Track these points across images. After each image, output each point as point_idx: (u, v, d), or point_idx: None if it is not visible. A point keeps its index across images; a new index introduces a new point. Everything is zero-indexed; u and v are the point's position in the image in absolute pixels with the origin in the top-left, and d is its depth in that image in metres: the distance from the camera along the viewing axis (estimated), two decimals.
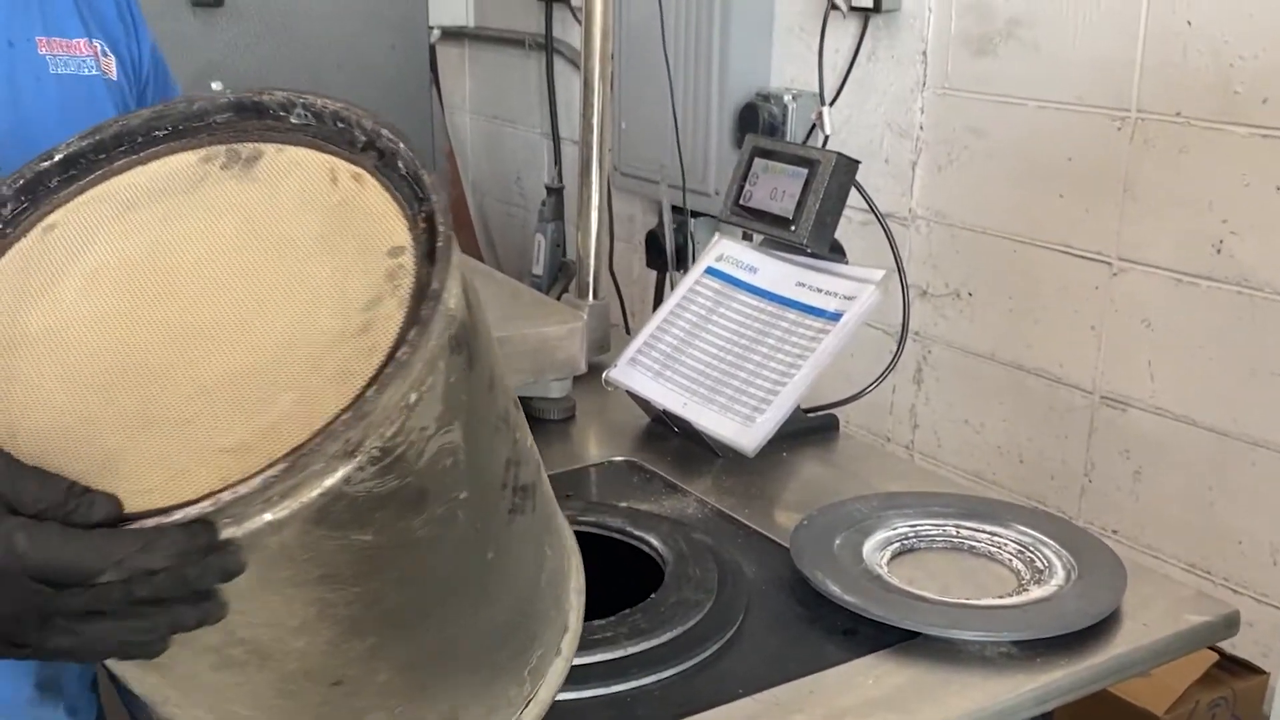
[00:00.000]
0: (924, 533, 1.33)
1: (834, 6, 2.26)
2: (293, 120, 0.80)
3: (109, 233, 0.77)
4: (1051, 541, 1.29)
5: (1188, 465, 1.94)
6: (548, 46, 3.05)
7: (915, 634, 1.14)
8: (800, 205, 1.50)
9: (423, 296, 0.69)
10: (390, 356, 0.67)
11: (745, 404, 1.48)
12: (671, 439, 1.58)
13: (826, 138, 2.31)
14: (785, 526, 1.34)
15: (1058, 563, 1.26)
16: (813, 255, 1.53)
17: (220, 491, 0.63)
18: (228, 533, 0.64)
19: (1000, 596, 1.21)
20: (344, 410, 0.65)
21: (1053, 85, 2.03)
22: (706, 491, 1.44)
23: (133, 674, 0.76)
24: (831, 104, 2.34)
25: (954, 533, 1.33)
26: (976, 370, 2.22)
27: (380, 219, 0.75)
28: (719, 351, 1.54)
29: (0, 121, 0.91)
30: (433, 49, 2.97)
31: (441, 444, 0.71)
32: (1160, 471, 1.98)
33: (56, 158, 0.80)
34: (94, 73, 0.99)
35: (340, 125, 0.79)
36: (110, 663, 0.74)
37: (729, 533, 1.35)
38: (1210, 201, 1.85)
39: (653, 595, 1.18)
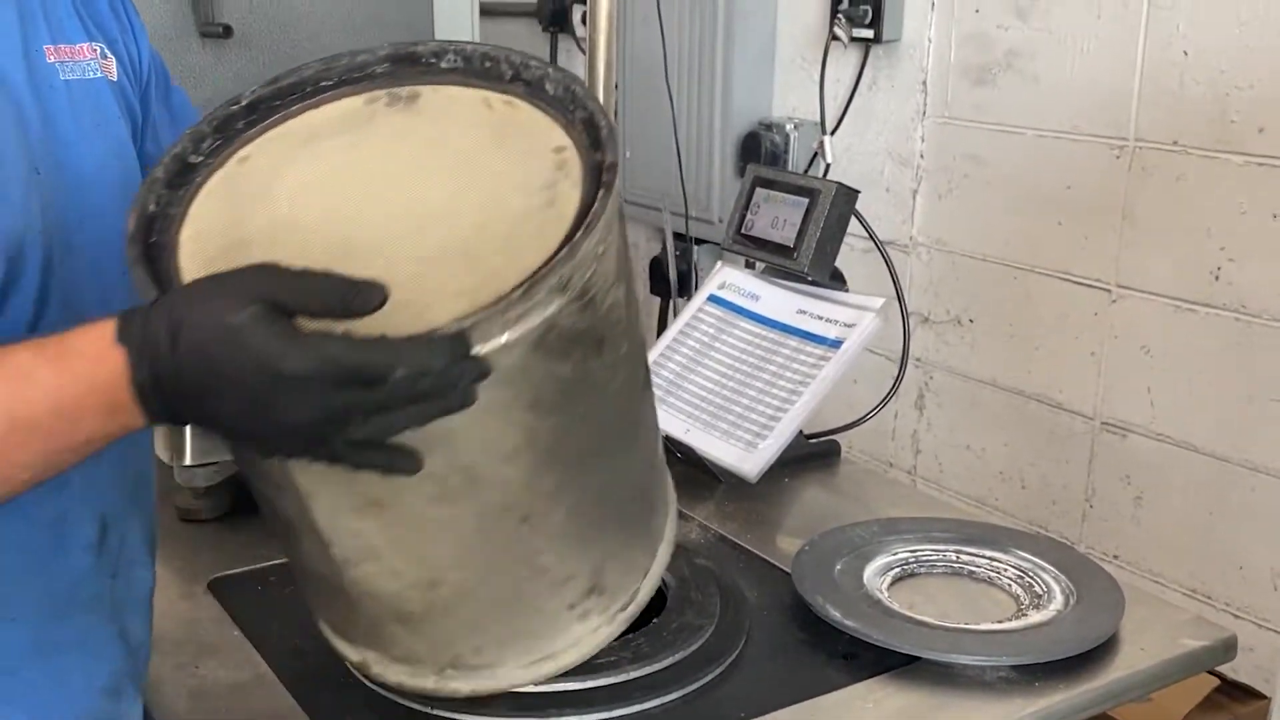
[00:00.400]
0: (924, 558, 1.34)
1: (835, 37, 2.29)
2: (443, 65, 0.93)
3: (301, 157, 0.90)
4: (1050, 566, 1.30)
5: (1188, 490, 1.95)
6: None
7: (915, 658, 1.15)
8: (801, 234, 1.52)
9: (598, 173, 0.83)
10: (578, 220, 0.81)
11: (747, 430, 1.50)
12: (674, 465, 1.59)
13: (828, 166, 2.33)
14: (787, 551, 1.35)
15: (1056, 587, 1.27)
16: (814, 283, 1.55)
17: (463, 319, 0.76)
18: (475, 349, 0.77)
19: (999, 621, 1.22)
20: (554, 255, 0.79)
21: (1051, 114, 2.05)
22: (709, 517, 1.45)
23: (350, 527, 0.88)
24: (833, 133, 2.36)
25: (954, 558, 1.34)
26: (978, 396, 2.24)
27: (538, 128, 0.87)
28: (721, 378, 1.55)
29: (35, 132, 0.92)
30: None
31: (615, 297, 0.85)
32: (1161, 496, 1.99)
33: (243, 102, 0.93)
34: (97, 75, 0.99)
35: (488, 64, 0.92)
36: (326, 519, 0.87)
37: (731, 558, 1.36)
38: (1208, 229, 1.87)
39: (655, 620, 1.19)
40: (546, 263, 0.79)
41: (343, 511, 0.88)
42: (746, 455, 1.48)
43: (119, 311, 0.77)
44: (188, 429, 1.38)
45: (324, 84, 0.94)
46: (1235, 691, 1.76)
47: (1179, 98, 1.88)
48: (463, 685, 1.02)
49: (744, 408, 1.52)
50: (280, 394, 0.74)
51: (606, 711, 1.08)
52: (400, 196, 0.87)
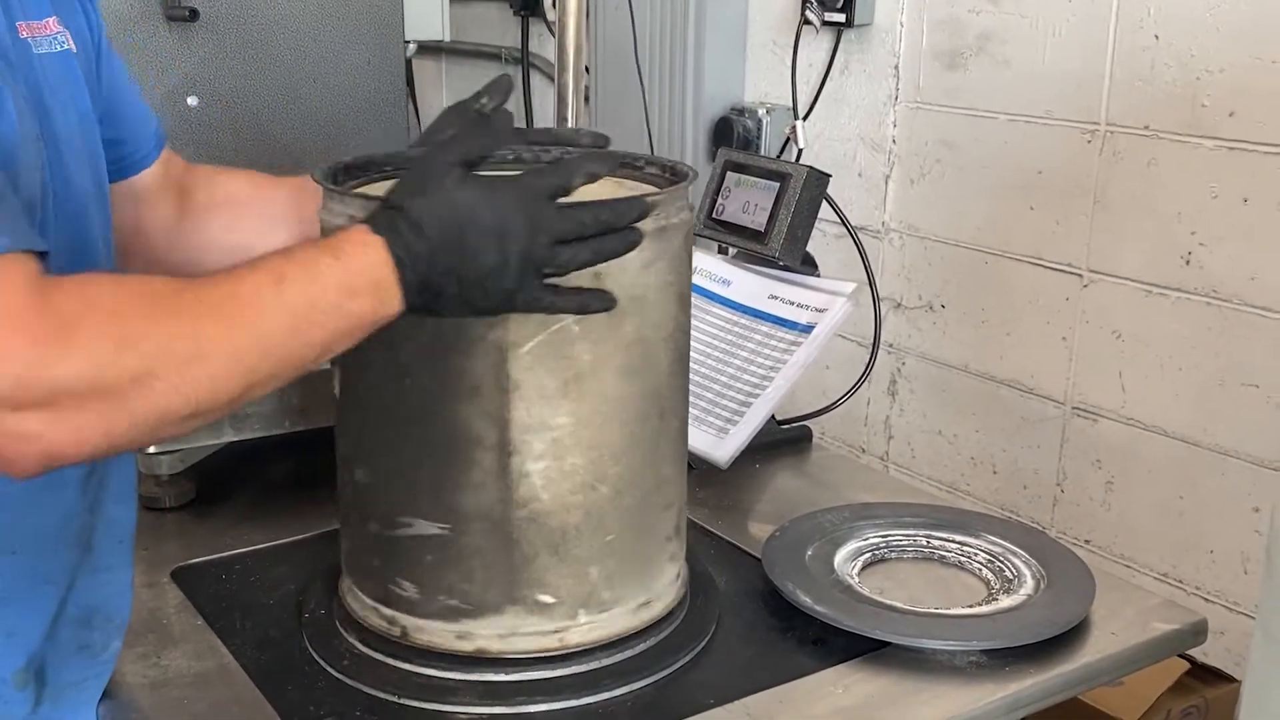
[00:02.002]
0: (895, 543, 1.34)
1: (807, 21, 2.27)
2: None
3: None
4: (1021, 551, 1.30)
5: (1159, 475, 1.95)
6: (524, 60, 3.06)
7: (885, 643, 1.15)
8: (772, 218, 1.51)
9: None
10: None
11: (718, 417, 1.49)
12: None
13: (800, 151, 2.32)
14: (758, 538, 1.34)
15: (1027, 572, 1.27)
16: (785, 268, 1.54)
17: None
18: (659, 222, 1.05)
19: (970, 606, 1.22)
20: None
21: (1023, 99, 2.05)
22: None
23: (543, 420, 1.04)
24: (805, 118, 2.35)
25: (924, 543, 1.34)
26: (950, 382, 2.24)
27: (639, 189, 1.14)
28: (692, 364, 1.54)
29: (30, 110, 0.93)
30: (409, 63, 2.97)
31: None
32: (1132, 481, 1.99)
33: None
34: (63, 48, 1.01)
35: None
36: (523, 415, 1.03)
37: (702, 544, 1.35)
38: (1179, 213, 1.87)
39: None
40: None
41: (544, 398, 1.03)
42: (718, 442, 1.47)
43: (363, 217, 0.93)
44: None
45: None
46: (1206, 675, 1.76)
47: (1150, 82, 1.87)
48: (584, 636, 1.10)
49: (715, 394, 1.51)
50: (496, 221, 0.91)
51: (576, 699, 1.07)
52: None
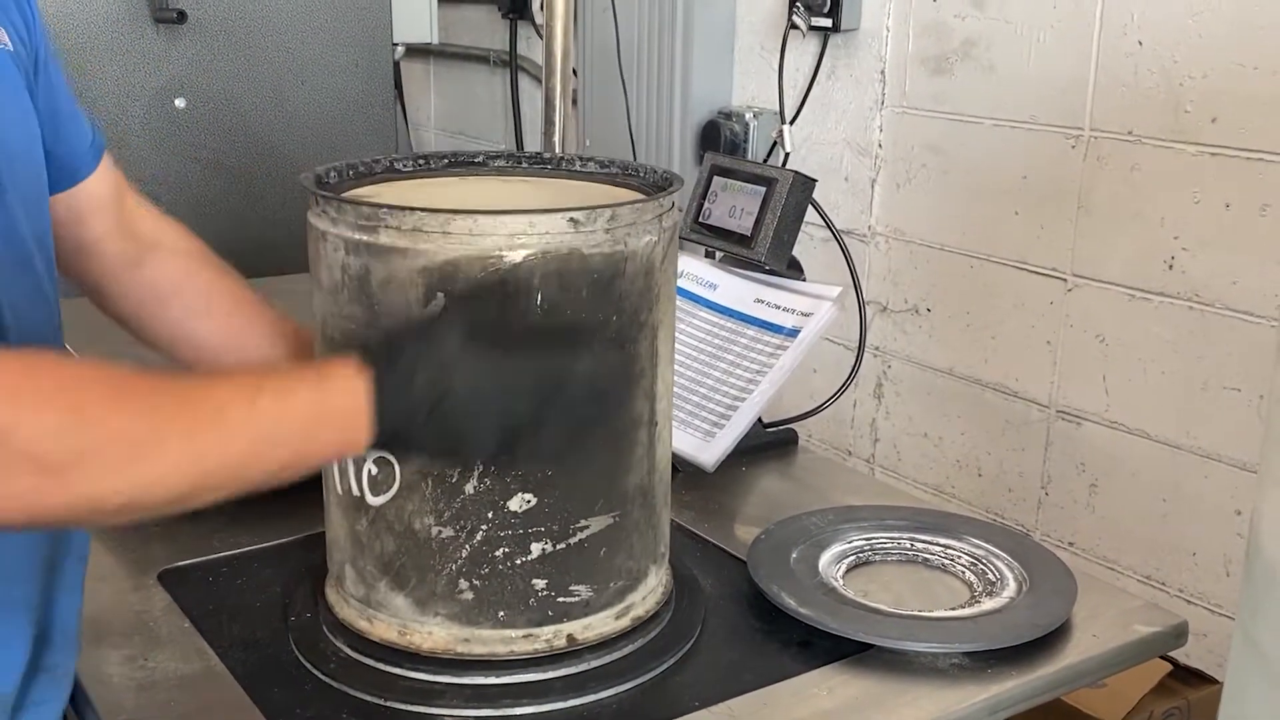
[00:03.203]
0: (879, 546, 1.34)
1: (794, 25, 2.28)
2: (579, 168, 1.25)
3: (427, 186, 1.21)
4: (1004, 554, 1.31)
5: (1142, 478, 1.96)
6: (512, 63, 3.06)
7: (869, 646, 1.16)
8: (758, 223, 1.52)
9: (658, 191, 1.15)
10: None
11: (705, 420, 1.50)
12: None
13: (787, 155, 2.33)
14: (743, 540, 1.35)
15: (1009, 575, 1.28)
16: (771, 272, 1.55)
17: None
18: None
19: (953, 608, 1.23)
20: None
21: (1008, 104, 2.06)
22: None
23: (665, 383, 1.13)
24: (792, 122, 2.36)
25: (908, 545, 1.35)
26: (935, 385, 2.25)
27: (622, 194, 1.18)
28: (679, 368, 1.55)
29: None
30: (397, 66, 2.97)
31: None
32: (1115, 484, 2.01)
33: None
34: (4, 46, 0.99)
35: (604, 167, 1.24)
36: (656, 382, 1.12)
37: (687, 547, 1.36)
38: (1162, 218, 1.88)
39: None
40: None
41: (665, 367, 1.13)
42: (704, 445, 1.48)
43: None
44: None
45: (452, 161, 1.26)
46: (1188, 676, 1.77)
47: (1133, 88, 1.89)
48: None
49: (701, 397, 1.52)
50: (481, 393, 0.91)
51: (562, 701, 1.08)
52: (495, 194, 1.21)
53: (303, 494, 1.45)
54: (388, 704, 1.07)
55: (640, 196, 1.14)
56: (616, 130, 2.56)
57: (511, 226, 0.99)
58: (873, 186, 2.29)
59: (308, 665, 1.12)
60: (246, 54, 2.57)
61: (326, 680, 1.10)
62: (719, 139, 2.39)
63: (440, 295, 1.00)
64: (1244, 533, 1.84)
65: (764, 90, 2.44)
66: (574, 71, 2.44)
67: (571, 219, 1.01)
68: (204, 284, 1.26)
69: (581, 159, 1.25)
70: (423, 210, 1.00)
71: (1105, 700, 1.68)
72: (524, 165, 1.26)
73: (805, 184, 1.53)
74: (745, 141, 2.40)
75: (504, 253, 0.99)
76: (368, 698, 1.08)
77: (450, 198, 1.13)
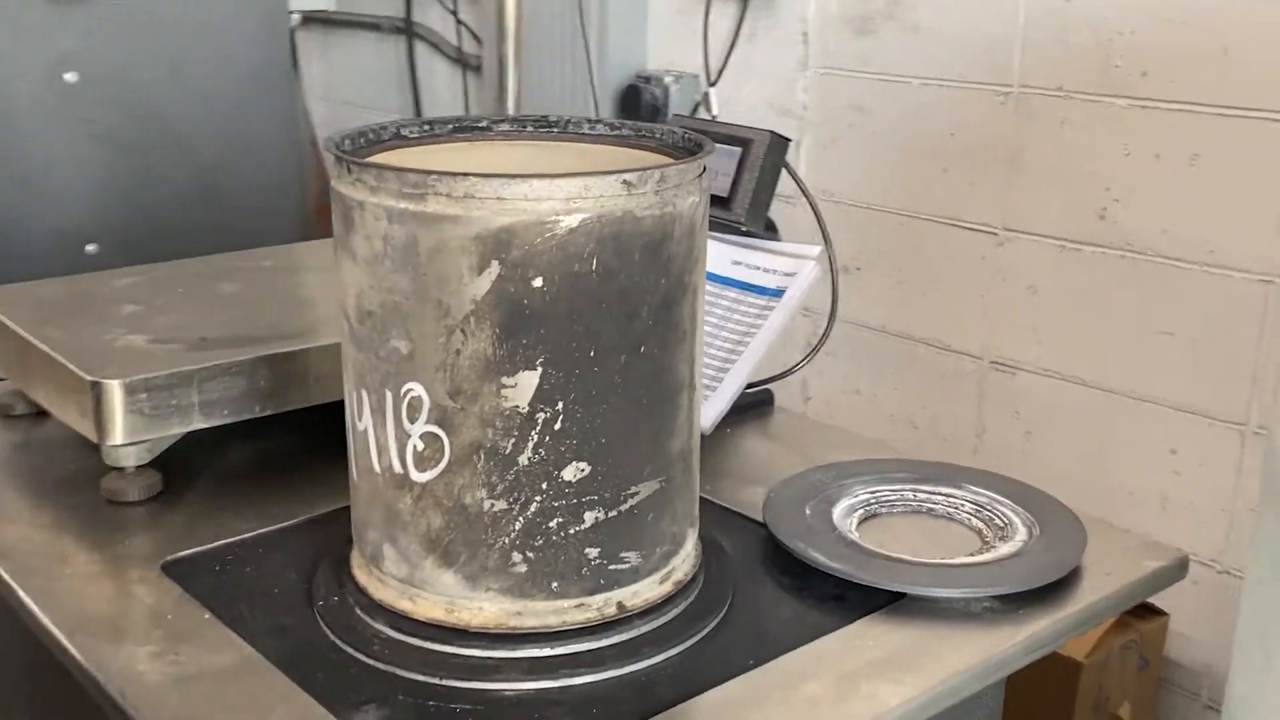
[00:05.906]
0: (884, 498, 1.37)
1: None
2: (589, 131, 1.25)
3: (443, 152, 1.18)
4: (1006, 500, 1.34)
5: (1077, 423, 2.04)
6: (408, 31, 2.99)
7: (899, 596, 1.18)
8: (735, 184, 1.52)
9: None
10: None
11: None
12: None
13: (713, 118, 2.34)
14: (746, 500, 1.36)
15: (1016, 519, 1.31)
16: (748, 234, 1.55)
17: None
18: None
19: (970, 554, 1.25)
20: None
21: (934, 63, 2.10)
22: None
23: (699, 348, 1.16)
24: (713, 85, 2.37)
25: (912, 496, 1.37)
26: (868, 342, 2.29)
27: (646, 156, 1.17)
28: None
29: None
30: (292, 34, 2.88)
31: None
32: (1050, 430, 2.08)
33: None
34: None
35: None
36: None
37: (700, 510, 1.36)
38: (1093, 171, 1.94)
39: None
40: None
41: (698, 333, 1.14)
42: None
43: None
44: (116, 401, 1.31)
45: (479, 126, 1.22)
46: (1139, 610, 1.85)
47: (1062, 44, 1.94)
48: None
49: None
50: None
51: (618, 669, 1.07)
52: (520, 158, 1.20)
53: (284, 476, 1.43)
54: (443, 682, 1.05)
55: (665, 159, 1.13)
56: (532, 96, 2.53)
57: (567, 190, 0.98)
58: (798, 148, 2.31)
59: (348, 649, 1.09)
60: (141, 26, 2.46)
61: (371, 663, 1.07)
62: (639, 103, 2.39)
63: (494, 263, 0.97)
64: (1180, 470, 1.93)
65: (681, 53, 2.44)
66: (476, 38, 2.40)
67: (625, 181, 0.99)
68: None
69: (590, 121, 1.23)
70: (476, 175, 0.97)
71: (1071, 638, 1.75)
72: (529, 129, 1.24)
73: (781, 144, 1.53)
74: (665, 105, 2.40)
75: (560, 217, 0.98)
76: (420, 678, 1.05)
77: (473, 163, 1.11)
